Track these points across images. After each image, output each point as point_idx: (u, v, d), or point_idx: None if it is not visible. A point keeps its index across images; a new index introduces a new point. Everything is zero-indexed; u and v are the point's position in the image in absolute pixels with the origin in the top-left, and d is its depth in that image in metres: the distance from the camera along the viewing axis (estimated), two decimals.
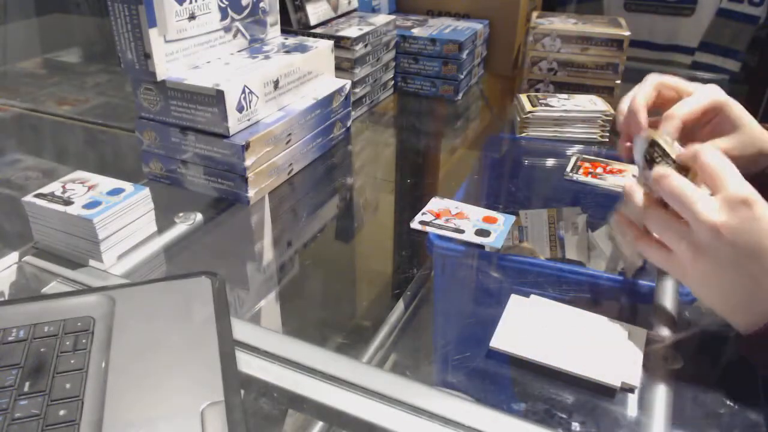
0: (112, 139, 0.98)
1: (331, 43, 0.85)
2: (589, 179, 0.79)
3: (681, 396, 0.46)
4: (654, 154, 0.49)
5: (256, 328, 0.51)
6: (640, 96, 0.54)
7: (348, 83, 0.86)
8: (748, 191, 0.43)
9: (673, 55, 1.40)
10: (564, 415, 0.45)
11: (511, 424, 0.42)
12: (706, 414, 0.45)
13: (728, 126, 0.53)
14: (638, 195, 0.48)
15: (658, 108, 0.55)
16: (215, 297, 0.50)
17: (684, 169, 0.47)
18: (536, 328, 0.51)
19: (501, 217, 0.65)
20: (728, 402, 0.45)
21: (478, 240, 0.61)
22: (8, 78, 1.24)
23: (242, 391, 0.44)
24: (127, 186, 0.61)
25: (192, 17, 0.69)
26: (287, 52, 0.79)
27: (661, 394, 0.46)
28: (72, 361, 0.43)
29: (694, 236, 0.44)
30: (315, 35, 0.93)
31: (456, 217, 0.65)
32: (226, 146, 0.68)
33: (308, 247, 0.71)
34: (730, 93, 0.53)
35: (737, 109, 0.53)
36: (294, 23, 0.94)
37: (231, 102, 0.67)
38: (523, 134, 0.90)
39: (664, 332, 0.51)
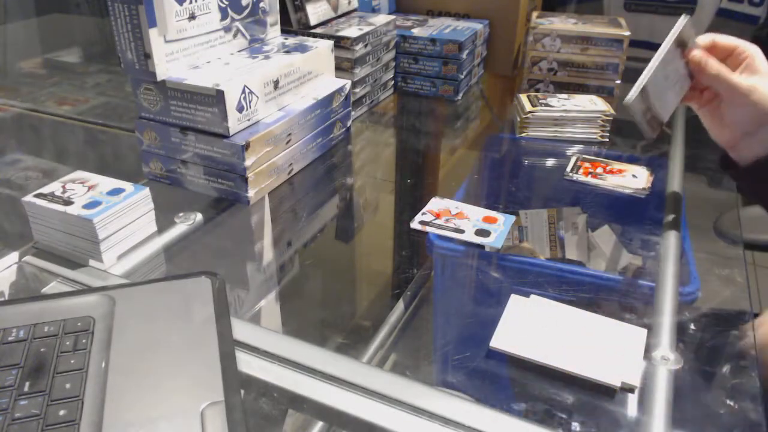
0: (112, 139, 0.98)
1: (331, 43, 0.85)
2: (589, 179, 0.79)
3: (681, 396, 0.46)
4: None
5: (256, 328, 0.51)
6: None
7: (348, 83, 0.86)
8: None
9: None
10: (564, 415, 0.45)
11: (511, 424, 0.42)
12: (706, 414, 0.45)
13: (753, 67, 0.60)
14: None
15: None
16: (215, 297, 0.50)
17: None
18: (536, 328, 0.51)
19: (501, 217, 0.65)
20: (728, 402, 0.45)
21: (478, 240, 0.61)
22: (8, 78, 1.24)
23: (242, 391, 0.44)
24: (127, 186, 0.61)
25: (192, 17, 0.69)
26: (287, 52, 0.79)
27: (661, 394, 0.46)
28: (72, 361, 0.43)
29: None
30: (315, 35, 0.93)
31: (456, 217, 0.65)
32: (226, 146, 0.68)
33: (308, 247, 0.71)
34: None
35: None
36: (294, 23, 0.94)
37: (231, 102, 0.67)
38: (523, 134, 0.90)
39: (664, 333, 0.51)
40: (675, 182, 0.76)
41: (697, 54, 0.61)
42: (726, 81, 0.59)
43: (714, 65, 0.60)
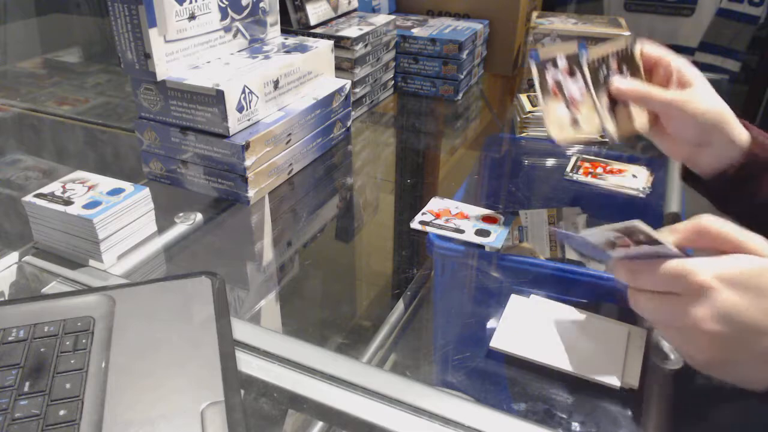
0: (112, 139, 0.98)
1: (331, 43, 0.85)
2: (589, 179, 0.79)
3: (681, 396, 0.46)
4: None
5: (256, 328, 0.51)
6: None
7: (348, 83, 0.86)
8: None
9: None
10: (564, 415, 0.45)
11: (511, 424, 0.42)
12: (706, 414, 0.45)
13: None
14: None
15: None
16: (215, 297, 0.50)
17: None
18: (536, 328, 0.51)
19: (501, 217, 0.65)
20: (728, 402, 0.45)
21: (478, 240, 0.61)
22: (8, 78, 1.24)
23: (242, 391, 0.44)
24: (127, 186, 0.61)
25: (192, 17, 0.69)
26: (287, 52, 0.79)
27: (661, 394, 0.46)
28: (72, 361, 0.43)
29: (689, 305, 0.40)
30: (315, 35, 0.93)
31: (456, 217, 0.65)
32: (226, 146, 0.68)
33: (308, 247, 0.71)
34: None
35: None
36: (294, 23, 0.94)
37: (231, 102, 0.67)
38: (523, 134, 0.90)
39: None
40: (675, 182, 0.76)
41: (619, 86, 0.57)
42: (657, 99, 0.55)
43: (639, 89, 0.56)
